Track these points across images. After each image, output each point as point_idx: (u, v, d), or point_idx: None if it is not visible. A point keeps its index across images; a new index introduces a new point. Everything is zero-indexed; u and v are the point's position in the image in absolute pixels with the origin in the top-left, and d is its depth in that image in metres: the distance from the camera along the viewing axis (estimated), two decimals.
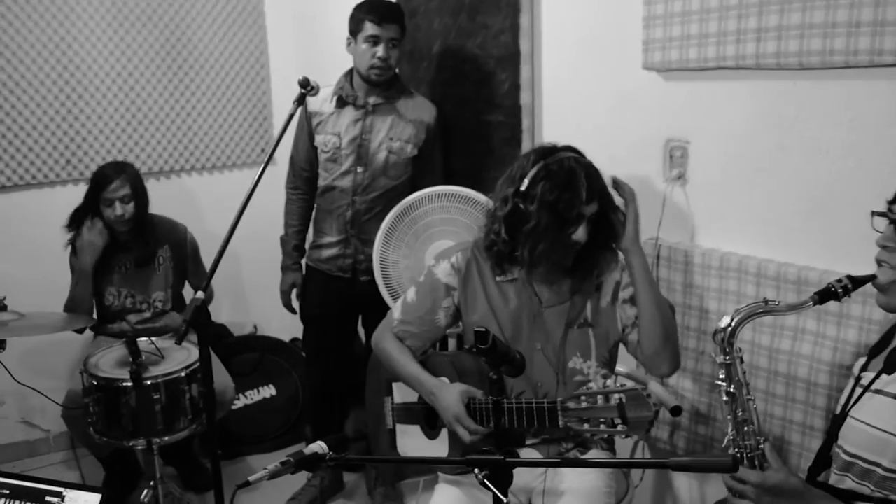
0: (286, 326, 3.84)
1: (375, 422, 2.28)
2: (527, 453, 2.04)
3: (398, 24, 2.75)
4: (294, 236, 3.07)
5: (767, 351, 2.08)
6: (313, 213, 3.06)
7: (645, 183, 2.39)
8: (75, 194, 3.45)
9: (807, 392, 2.00)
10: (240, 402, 3.53)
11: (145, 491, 2.67)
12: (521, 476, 2.03)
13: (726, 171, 2.19)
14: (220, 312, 3.87)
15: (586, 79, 2.51)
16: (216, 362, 3.01)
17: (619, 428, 1.59)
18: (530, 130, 2.67)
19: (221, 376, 2.94)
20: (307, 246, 3.12)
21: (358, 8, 2.78)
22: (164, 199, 3.21)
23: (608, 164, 2.43)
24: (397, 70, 2.90)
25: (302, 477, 3.14)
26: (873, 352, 1.57)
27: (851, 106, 1.89)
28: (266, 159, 2.20)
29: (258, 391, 3.61)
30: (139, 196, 2.97)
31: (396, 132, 2.81)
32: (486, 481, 1.35)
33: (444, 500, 2.02)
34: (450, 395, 1.92)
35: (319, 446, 1.56)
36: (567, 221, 1.88)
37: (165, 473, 2.76)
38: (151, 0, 3.49)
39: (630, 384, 1.63)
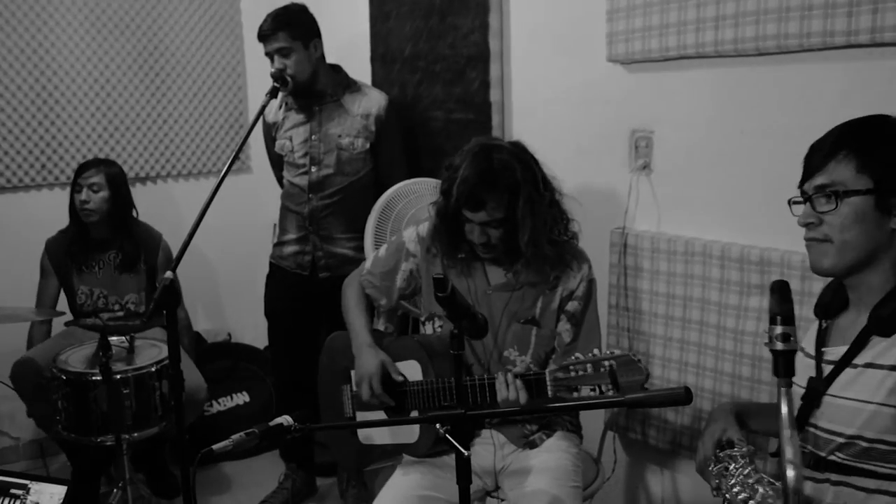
0: (260, 334, 3.81)
1: (332, 413, 2.23)
2: (489, 435, 2.03)
3: (281, 31, 2.72)
4: None
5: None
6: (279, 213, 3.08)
7: (611, 173, 2.44)
8: (50, 199, 3.45)
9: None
10: (213, 409, 3.50)
11: (114, 492, 2.64)
12: (486, 458, 2.02)
13: (689, 159, 2.24)
14: (195, 320, 3.83)
15: (554, 74, 2.57)
16: (188, 361, 2.98)
17: (611, 394, 1.61)
18: (500, 127, 2.72)
19: (193, 375, 2.92)
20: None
21: None
22: (139, 206, 3.19)
23: (575, 157, 2.49)
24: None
25: (273, 480, 3.11)
26: (819, 312, 1.50)
27: (807, 89, 1.95)
28: (228, 164, 2.15)
29: (231, 398, 3.59)
30: (113, 191, 2.97)
31: (345, 129, 2.83)
32: (447, 435, 1.36)
33: (401, 483, 2.01)
34: (373, 358, 2.00)
35: (284, 419, 1.58)
36: (453, 217, 1.95)
37: (136, 478, 2.73)
38: (129, 7, 3.52)
39: (618, 351, 1.65)
